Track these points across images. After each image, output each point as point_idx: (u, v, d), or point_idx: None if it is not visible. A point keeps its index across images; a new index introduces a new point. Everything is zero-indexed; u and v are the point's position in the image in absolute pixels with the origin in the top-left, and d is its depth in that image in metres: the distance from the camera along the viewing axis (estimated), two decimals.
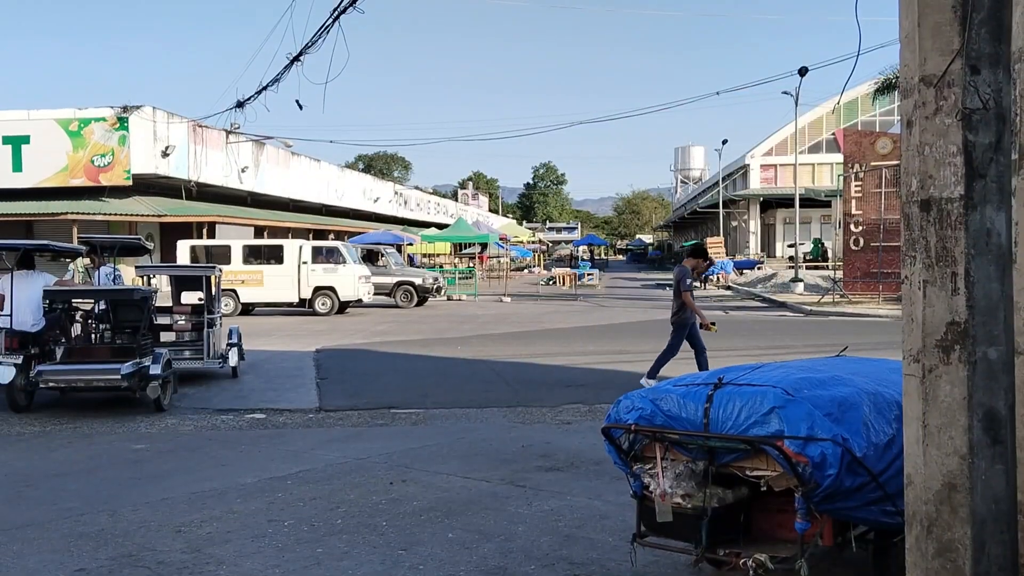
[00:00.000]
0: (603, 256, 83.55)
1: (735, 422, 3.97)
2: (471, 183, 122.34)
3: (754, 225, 55.18)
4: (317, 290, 22.57)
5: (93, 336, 10.37)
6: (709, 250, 39.88)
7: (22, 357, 9.40)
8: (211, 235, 30.81)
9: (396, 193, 56.76)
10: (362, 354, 14.45)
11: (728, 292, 33.32)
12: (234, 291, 22.22)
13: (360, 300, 23.08)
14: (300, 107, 13.89)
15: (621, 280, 46.24)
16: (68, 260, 15.66)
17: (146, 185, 30.84)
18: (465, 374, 11.94)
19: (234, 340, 11.77)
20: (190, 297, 12.61)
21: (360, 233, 40.81)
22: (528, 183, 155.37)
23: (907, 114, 3.08)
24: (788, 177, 53.61)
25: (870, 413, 3.99)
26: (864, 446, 3.85)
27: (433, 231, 43.96)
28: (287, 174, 38.76)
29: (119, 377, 8.99)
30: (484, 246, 50.53)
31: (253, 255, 22.91)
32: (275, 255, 22.78)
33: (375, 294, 24.32)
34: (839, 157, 36.07)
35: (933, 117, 2.98)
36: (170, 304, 12.34)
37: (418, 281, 25.86)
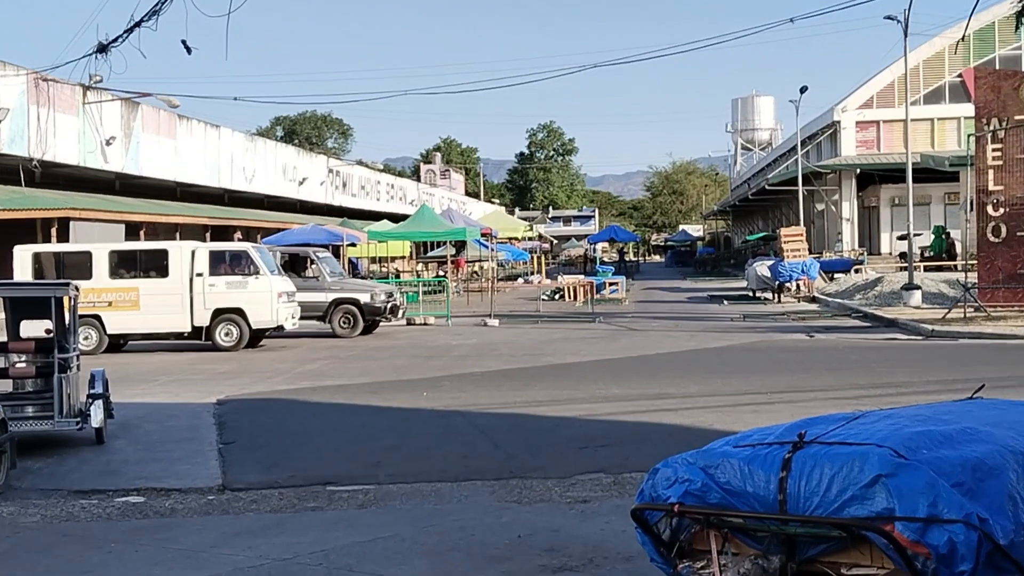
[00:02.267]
0: (633, 257, 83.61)
1: (824, 498, 3.98)
2: (439, 154, 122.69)
3: (848, 209, 55.39)
4: (218, 314, 22.53)
5: None
6: (785, 245, 40.19)
7: None
8: (63, 237, 30.76)
9: (331, 171, 56.88)
10: (284, 406, 14.41)
11: (813, 306, 33.39)
12: (97, 318, 22.16)
13: (280, 327, 23.07)
14: (188, 50, 13.92)
15: (658, 291, 46.34)
16: None
17: None
18: (434, 432, 11.93)
19: (98, 390, 11.72)
20: (33, 328, 12.56)
21: (280, 230, 40.80)
22: (521, 153, 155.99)
23: None
24: (896, 138, 53.95)
25: (1018, 481, 4.01)
26: (1010, 529, 3.87)
27: (385, 225, 43.97)
28: (172, 147, 38.78)
29: None
30: (459, 246, 50.61)
31: (124, 265, 22.86)
32: (157, 264, 22.74)
33: (302, 318, 24.28)
34: (969, 108, 36.31)
35: None
36: (4, 339, 12.30)
37: (364, 298, 25.87)
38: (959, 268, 36.57)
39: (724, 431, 9.76)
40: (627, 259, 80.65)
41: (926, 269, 39.45)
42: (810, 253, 41.73)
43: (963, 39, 25.05)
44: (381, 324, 27.02)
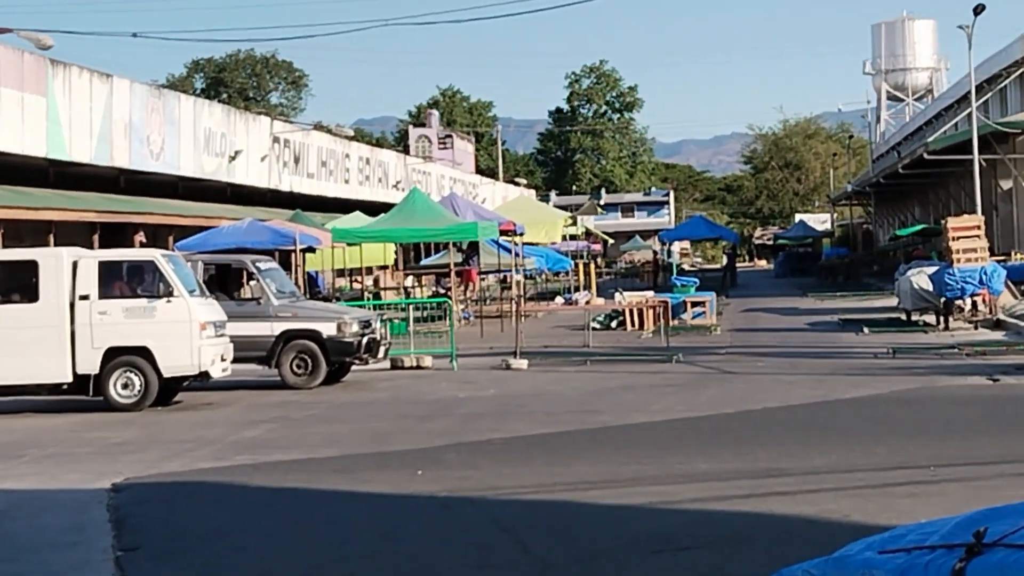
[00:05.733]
0: (733, 260, 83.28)
1: None
2: (437, 113, 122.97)
3: None
4: (113, 355, 22.55)
5: None
6: (954, 243, 40.10)
7: None
8: None
9: (277, 140, 57.05)
10: (213, 492, 14.44)
11: (997, 334, 33.18)
12: None
13: (205, 374, 23.09)
14: None
15: (764, 314, 46.21)
16: None
17: None
18: (434, 530, 11.97)
19: None
20: None
21: (203, 228, 40.84)
22: (559, 110, 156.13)
23: None
24: None
25: None
26: None
27: (358, 219, 44.02)
28: (43, 107, 38.97)
29: None
30: (469, 249, 50.52)
31: None
32: (20, 283, 22.81)
33: (237, 360, 24.31)
34: None
35: None
36: None
37: (328, 330, 25.86)
38: None
39: (865, 527, 9.76)
40: (737, 264, 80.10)
41: None
42: (992, 255, 41.49)
43: None
44: (353, 368, 27.00)
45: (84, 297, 22.60)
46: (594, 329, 37.66)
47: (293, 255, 39.35)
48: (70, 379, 22.60)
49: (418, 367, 29.06)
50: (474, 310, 46.05)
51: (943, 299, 36.35)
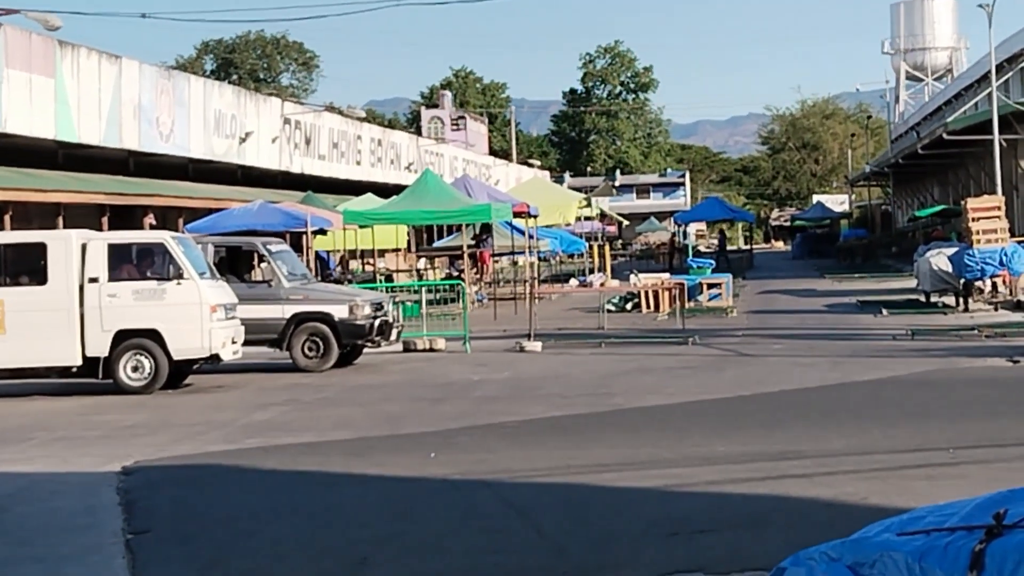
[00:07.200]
0: (743, 244, 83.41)
1: None
2: (449, 94, 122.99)
3: None
4: (122, 338, 22.57)
5: None
6: (973, 224, 39.99)
7: None
8: None
9: (288, 122, 57.05)
10: (223, 476, 14.46)
11: (1017, 315, 33.12)
12: None
13: (215, 357, 23.10)
14: None
15: (781, 296, 46.17)
16: None
17: None
18: (448, 514, 11.98)
19: None
20: None
21: (213, 210, 40.90)
22: (573, 91, 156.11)
23: None
24: None
25: None
26: None
27: (370, 201, 44.01)
28: (51, 89, 38.98)
29: None
30: (481, 231, 50.56)
31: None
32: (29, 265, 22.82)
33: (248, 342, 24.32)
34: None
35: None
36: None
37: (340, 312, 25.86)
38: None
39: (884, 509, 9.74)
40: (729, 247, 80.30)
41: None
42: (1012, 236, 41.36)
43: None
44: (365, 351, 27.04)
45: (93, 280, 22.61)
46: (609, 311, 37.68)
47: (304, 237, 39.48)
48: (79, 362, 22.63)
49: (431, 350, 29.10)
50: (487, 292, 46.02)
51: (963, 280, 36.29)
